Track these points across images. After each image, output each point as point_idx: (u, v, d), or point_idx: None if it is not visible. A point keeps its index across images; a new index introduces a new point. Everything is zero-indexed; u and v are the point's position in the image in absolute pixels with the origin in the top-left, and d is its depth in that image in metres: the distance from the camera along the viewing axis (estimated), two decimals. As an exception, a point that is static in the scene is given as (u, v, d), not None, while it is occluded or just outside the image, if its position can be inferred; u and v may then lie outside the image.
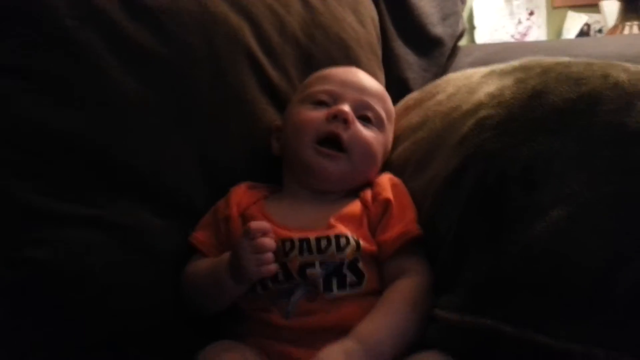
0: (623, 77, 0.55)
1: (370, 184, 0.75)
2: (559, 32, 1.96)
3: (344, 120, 0.72)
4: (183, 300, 0.72)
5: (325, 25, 0.93)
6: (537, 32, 1.95)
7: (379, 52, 1.02)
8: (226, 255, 0.67)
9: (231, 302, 0.69)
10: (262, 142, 0.81)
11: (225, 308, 0.69)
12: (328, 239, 0.67)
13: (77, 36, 0.75)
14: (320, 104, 0.75)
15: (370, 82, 0.80)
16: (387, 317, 0.62)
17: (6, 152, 0.71)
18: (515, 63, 0.70)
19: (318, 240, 0.67)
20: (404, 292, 0.64)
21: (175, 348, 0.74)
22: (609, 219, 0.48)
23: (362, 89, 0.77)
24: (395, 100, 0.93)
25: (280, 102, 0.85)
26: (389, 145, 0.80)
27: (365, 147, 0.73)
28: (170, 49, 0.79)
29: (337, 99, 0.75)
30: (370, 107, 0.76)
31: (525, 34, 1.95)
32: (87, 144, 0.74)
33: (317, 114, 0.74)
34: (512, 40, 1.94)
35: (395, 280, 0.66)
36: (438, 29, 1.11)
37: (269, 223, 0.68)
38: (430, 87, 0.84)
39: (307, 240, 0.67)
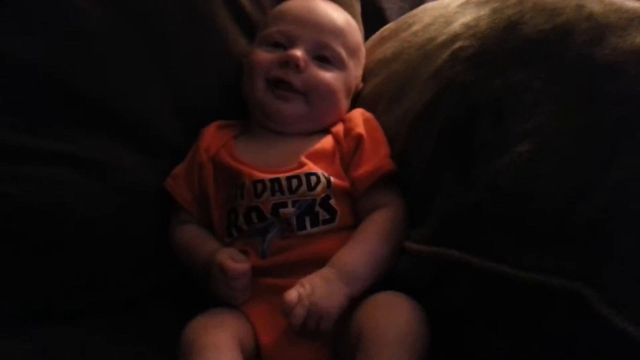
0: (597, 8, 0.54)
1: (341, 120, 0.75)
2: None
3: (295, 66, 0.71)
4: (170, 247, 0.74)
5: (300, -49, 0.90)
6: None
7: (355, -20, 0.99)
8: (207, 247, 0.69)
9: None
10: (233, 75, 0.80)
11: None
12: (299, 178, 0.67)
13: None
14: (277, 45, 0.75)
15: (328, 17, 0.77)
16: (362, 246, 0.64)
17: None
18: (491, -8, 0.69)
19: (289, 180, 0.68)
20: (378, 224, 0.66)
21: (153, 282, 0.76)
22: (574, 150, 0.49)
23: (319, 28, 0.75)
24: (370, 32, 0.92)
25: (252, 31, 0.83)
26: (355, 81, 0.79)
27: (322, 88, 0.73)
28: (136, -26, 0.77)
29: (292, 40, 0.74)
30: (328, 47, 0.74)
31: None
32: (57, 77, 0.73)
33: (269, 57, 0.73)
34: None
35: (370, 213, 0.67)
36: (416, -45, 1.08)
37: (239, 164, 0.70)
38: (406, 17, 0.83)
39: (278, 181, 0.68)
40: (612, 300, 0.44)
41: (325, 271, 0.62)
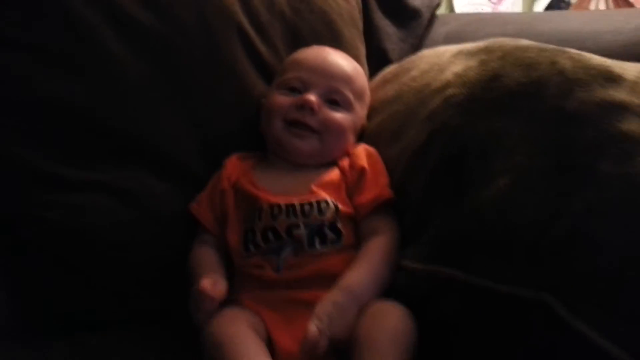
0: (567, 65, 0.64)
1: (347, 154, 0.83)
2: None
3: (310, 109, 0.81)
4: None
5: (311, 0, 0.98)
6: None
7: (360, 25, 1.07)
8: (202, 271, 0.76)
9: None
10: (252, 113, 0.88)
11: None
12: (310, 204, 0.76)
13: (77, 12, 0.80)
14: (293, 90, 0.84)
15: (338, 65, 0.86)
16: (366, 269, 0.72)
17: (16, 120, 0.78)
18: (481, 44, 0.78)
19: (302, 205, 0.76)
20: (378, 247, 0.74)
21: (177, 299, 0.79)
22: (544, 185, 0.58)
23: (330, 75, 0.84)
24: (374, 70, 1.00)
25: (269, 75, 0.91)
26: (361, 121, 0.87)
27: (334, 127, 0.82)
28: (166, 25, 0.85)
29: (306, 85, 0.83)
30: (337, 92, 0.84)
31: (500, 1, 2.00)
32: (90, 114, 0.80)
33: (288, 100, 0.82)
34: (489, 3, 1.99)
35: (370, 237, 0.75)
36: (416, 0, 1.17)
37: (259, 190, 0.78)
38: (406, 62, 0.92)
39: (293, 206, 0.76)
40: (572, 307, 0.53)
41: (337, 296, 0.69)
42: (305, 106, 0.81)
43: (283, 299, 0.73)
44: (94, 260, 0.79)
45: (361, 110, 0.88)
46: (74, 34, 0.81)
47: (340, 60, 0.88)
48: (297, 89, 0.84)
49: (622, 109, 0.58)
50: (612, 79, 0.61)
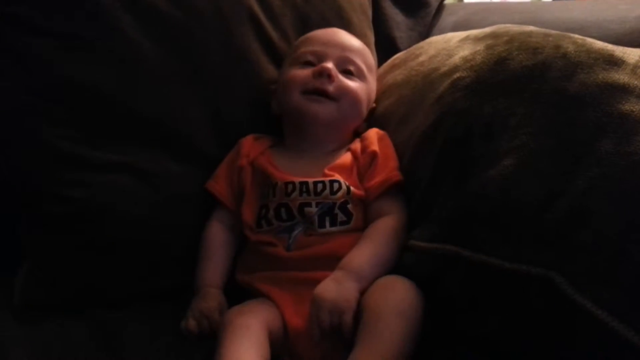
0: (571, 48, 0.66)
1: (359, 136, 0.86)
2: (542, -13, 2.02)
3: (327, 75, 0.83)
4: None
5: (320, -13, 1.00)
6: (522, -13, 2.01)
7: (369, 13, 1.10)
8: (204, 279, 0.81)
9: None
10: (264, 97, 0.91)
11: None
12: (324, 183, 0.79)
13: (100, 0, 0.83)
14: (307, 64, 0.86)
15: (350, 39, 0.90)
16: (368, 248, 0.74)
17: (42, 102, 0.80)
18: (487, 30, 0.80)
19: (315, 183, 0.79)
20: (383, 228, 0.76)
21: (191, 280, 0.83)
22: (547, 164, 0.60)
23: (343, 47, 0.87)
24: (383, 58, 1.02)
25: (280, 60, 0.94)
26: (372, 95, 0.90)
27: (351, 94, 0.84)
28: (182, 12, 0.87)
29: (321, 57, 0.85)
30: (351, 62, 0.86)
31: (509, -10, 2.01)
32: (111, 97, 0.83)
33: (305, 72, 0.85)
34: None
35: (377, 218, 0.78)
36: (425, -11, 1.20)
37: (275, 169, 0.81)
38: (414, 48, 0.94)
39: (306, 183, 0.79)
40: (576, 283, 0.55)
41: (336, 274, 0.71)
42: (323, 73, 0.83)
43: (293, 279, 0.75)
44: (114, 239, 0.82)
45: (373, 84, 0.90)
46: (96, 21, 0.84)
47: (350, 37, 0.91)
48: (311, 62, 0.86)
49: (623, 90, 0.60)
50: (614, 62, 0.63)
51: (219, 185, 0.85)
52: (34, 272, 0.81)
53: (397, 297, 0.67)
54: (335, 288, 0.69)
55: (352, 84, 0.85)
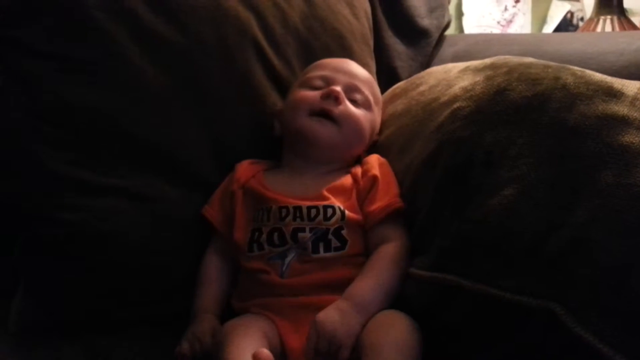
0: (570, 80, 0.66)
1: (359, 161, 0.86)
2: (543, 20, 2.05)
3: (335, 98, 0.83)
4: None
5: (323, 17, 1.02)
6: (522, 19, 2.05)
7: (371, 43, 1.11)
8: (201, 305, 0.81)
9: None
10: (265, 124, 0.91)
11: None
12: (317, 208, 0.79)
13: (104, 26, 0.84)
14: (316, 88, 0.87)
15: (359, 69, 0.91)
16: (373, 278, 0.74)
17: (44, 127, 0.81)
18: (487, 61, 0.81)
19: (309, 209, 0.79)
20: (387, 256, 0.76)
21: (187, 304, 0.83)
22: (547, 195, 0.60)
23: (352, 75, 0.88)
24: (384, 87, 1.03)
25: (282, 88, 0.94)
26: (376, 127, 0.90)
27: (354, 120, 0.84)
28: (185, 39, 0.88)
29: (330, 82, 0.86)
30: (359, 90, 0.87)
31: (511, 21, 2.04)
32: (112, 121, 0.83)
33: (313, 93, 0.85)
34: (498, 26, 2.03)
35: (379, 245, 0.77)
36: (425, 21, 1.21)
37: (267, 191, 0.81)
38: (414, 78, 0.95)
39: (300, 208, 0.79)
40: (578, 315, 0.54)
41: (341, 304, 0.71)
42: (331, 95, 0.84)
43: (290, 305, 0.74)
44: (110, 263, 0.81)
45: (377, 116, 0.91)
46: (98, 45, 0.84)
47: (360, 67, 0.92)
48: (320, 87, 0.87)
49: (622, 122, 0.61)
50: (613, 94, 0.64)
51: (212, 209, 0.85)
52: (29, 296, 0.80)
53: (397, 333, 0.67)
54: (339, 320, 0.69)
55: (357, 111, 0.86)
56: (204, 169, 0.88)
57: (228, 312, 0.81)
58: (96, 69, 0.84)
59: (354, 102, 0.86)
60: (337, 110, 0.83)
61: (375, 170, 0.82)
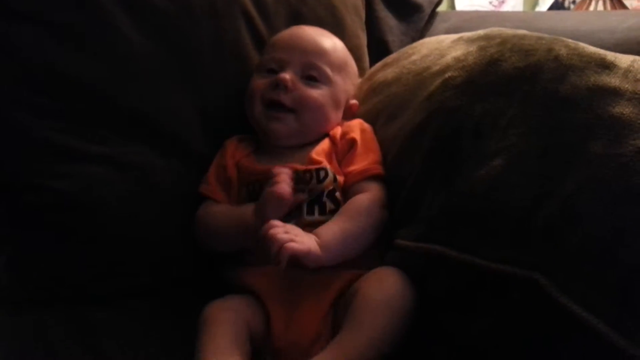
0: (563, 51, 0.66)
1: (332, 129, 0.85)
2: (535, 1, 2.05)
3: (284, 87, 0.82)
4: (195, 236, 0.83)
5: (315, -14, 1.00)
6: (514, 0, 2.04)
7: (363, 15, 1.10)
8: (250, 204, 0.78)
9: (242, 243, 0.79)
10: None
11: (236, 248, 0.80)
12: (310, 172, 0.79)
13: (89, -10, 0.82)
14: (270, 71, 0.85)
15: (314, 41, 0.87)
16: (341, 223, 0.74)
17: (29, 94, 0.79)
18: (481, 32, 0.80)
19: (304, 172, 0.78)
20: (357, 204, 0.76)
21: (177, 273, 0.84)
22: (536, 165, 0.60)
23: (305, 51, 0.85)
24: (374, 61, 1.01)
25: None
26: (344, 95, 0.87)
27: (310, 104, 0.83)
28: (174, 6, 0.86)
29: (282, 65, 0.84)
30: (314, 66, 0.84)
31: (503, 2, 2.03)
32: (97, 88, 0.82)
33: (263, 82, 0.84)
34: (490, 6, 2.02)
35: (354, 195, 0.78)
36: (418, -5, 1.20)
37: (263, 168, 0.80)
38: (407, 48, 0.94)
39: (296, 171, 0.78)
40: (562, 285, 0.55)
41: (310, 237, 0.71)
42: (280, 84, 0.82)
43: (281, 273, 0.73)
44: (96, 232, 0.80)
45: (343, 83, 0.88)
46: (87, 12, 0.82)
47: (315, 36, 0.88)
48: (274, 70, 0.85)
49: (614, 94, 0.60)
50: (606, 65, 0.64)
51: (211, 186, 0.84)
52: (11, 266, 0.79)
53: (389, 288, 0.68)
54: (307, 236, 0.70)
55: (313, 91, 0.83)
56: (192, 139, 0.87)
57: (216, 281, 0.81)
58: (83, 36, 0.82)
59: (311, 78, 0.84)
60: (288, 100, 0.82)
61: (355, 134, 0.82)
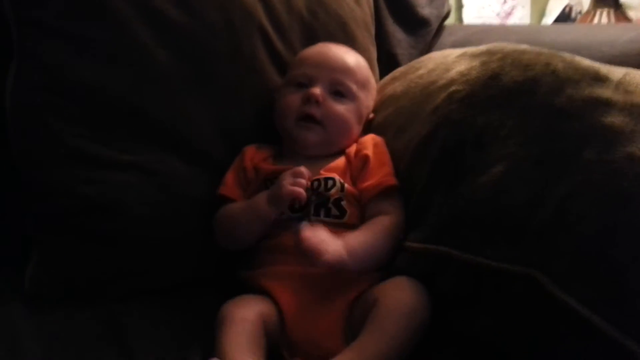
0: (560, 66, 0.71)
1: (354, 142, 0.90)
2: (542, 13, 2.08)
3: (315, 101, 0.88)
4: (214, 237, 0.87)
5: (326, 3, 1.05)
6: (521, 12, 2.08)
7: (373, 30, 1.14)
8: (262, 193, 0.83)
9: (258, 236, 0.84)
10: (268, 107, 0.94)
11: (252, 241, 0.84)
12: (319, 180, 0.84)
13: (115, 6, 0.87)
14: (300, 85, 0.91)
15: (341, 59, 0.93)
16: (366, 236, 0.78)
17: (60, 102, 0.84)
18: (484, 47, 0.85)
19: (312, 182, 0.83)
20: (381, 224, 0.80)
21: (195, 274, 0.89)
22: (532, 172, 0.64)
23: (333, 68, 0.91)
24: (384, 73, 1.06)
25: (285, 71, 0.97)
26: (366, 110, 0.94)
27: (337, 118, 0.89)
28: (193, 22, 0.91)
29: (312, 80, 0.90)
30: (340, 83, 0.91)
31: (510, 13, 2.07)
32: (123, 100, 0.87)
33: (295, 97, 0.90)
34: (497, 18, 2.06)
35: (376, 216, 0.82)
36: (425, 10, 1.24)
37: (277, 167, 0.85)
38: (414, 62, 0.99)
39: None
40: (558, 281, 0.59)
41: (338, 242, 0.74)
42: (311, 99, 0.88)
43: (289, 274, 0.79)
44: (121, 234, 0.85)
45: (366, 100, 0.94)
46: (109, 26, 0.88)
47: (342, 54, 0.95)
48: (303, 84, 0.91)
49: (606, 104, 0.65)
50: (599, 78, 0.68)
51: (230, 187, 0.89)
52: (42, 265, 0.84)
53: (408, 298, 0.71)
54: (336, 241, 0.74)
55: (340, 107, 0.89)
56: (211, 148, 0.92)
57: (234, 282, 0.85)
58: (106, 48, 0.88)
59: (338, 94, 0.90)
60: (319, 113, 0.88)
61: (368, 150, 0.87)
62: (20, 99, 0.84)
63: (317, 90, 0.88)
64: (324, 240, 0.73)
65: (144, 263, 0.87)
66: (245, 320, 0.73)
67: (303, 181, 0.80)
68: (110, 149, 0.86)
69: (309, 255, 0.72)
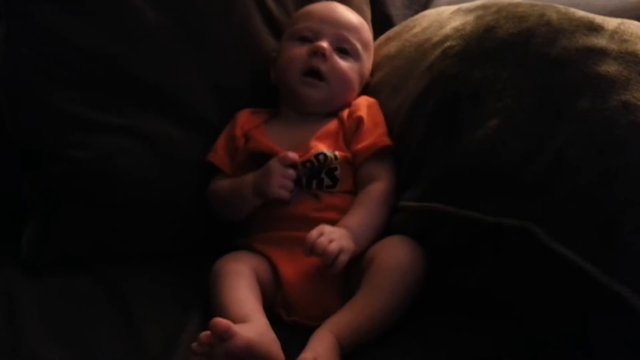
0: (554, 16, 0.70)
1: (349, 105, 0.89)
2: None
3: (322, 55, 0.86)
4: (208, 209, 0.87)
5: (320, -36, 1.04)
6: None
7: (367, -11, 1.13)
8: (249, 176, 0.82)
9: (247, 213, 0.83)
10: (263, 69, 0.94)
11: (242, 218, 0.84)
12: (310, 160, 0.82)
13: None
14: (304, 39, 0.89)
15: (346, 16, 0.92)
16: (361, 213, 0.78)
17: (53, 67, 0.84)
18: (478, 2, 0.84)
19: (304, 163, 0.82)
20: (375, 195, 0.80)
21: (196, 240, 0.89)
22: (528, 123, 0.64)
23: (339, 24, 0.90)
24: (378, 34, 1.04)
25: (279, 33, 0.97)
26: (367, 72, 0.93)
27: (341, 76, 0.87)
28: (185, -18, 0.90)
29: (317, 34, 0.88)
30: (346, 40, 0.89)
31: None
32: (115, 63, 0.86)
33: (301, 51, 0.88)
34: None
35: (368, 184, 0.81)
36: (420, -32, 1.23)
37: (268, 142, 0.85)
38: (408, 21, 0.98)
39: (295, 166, 0.81)
40: (552, 231, 0.59)
41: (342, 229, 0.75)
42: (318, 52, 0.86)
43: (288, 238, 0.79)
44: (116, 198, 0.85)
45: (367, 61, 0.93)
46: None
47: (348, 12, 0.93)
48: (308, 38, 0.89)
49: (600, 53, 0.64)
50: (594, 28, 0.67)
51: (219, 155, 0.89)
52: (38, 230, 0.84)
53: (402, 255, 0.72)
54: (341, 233, 0.73)
55: (345, 64, 0.88)
56: (205, 112, 0.91)
57: (229, 248, 0.85)
58: (99, 11, 0.87)
59: (342, 51, 0.89)
60: (324, 67, 0.86)
61: (361, 112, 0.86)
62: (9, 60, 0.84)
63: (324, 44, 0.86)
64: (332, 238, 0.72)
65: (141, 227, 0.87)
66: (239, 273, 0.74)
67: (293, 173, 0.79)
68: (101, 112, 0.85)
69: (324, 260, 0.71)
